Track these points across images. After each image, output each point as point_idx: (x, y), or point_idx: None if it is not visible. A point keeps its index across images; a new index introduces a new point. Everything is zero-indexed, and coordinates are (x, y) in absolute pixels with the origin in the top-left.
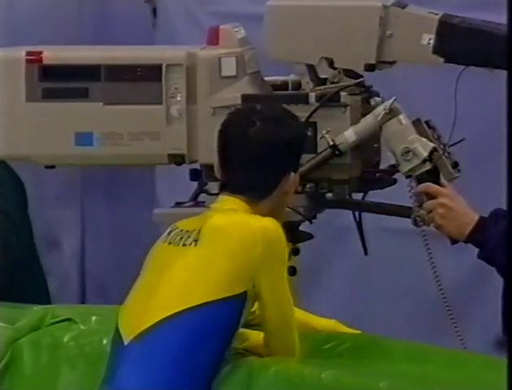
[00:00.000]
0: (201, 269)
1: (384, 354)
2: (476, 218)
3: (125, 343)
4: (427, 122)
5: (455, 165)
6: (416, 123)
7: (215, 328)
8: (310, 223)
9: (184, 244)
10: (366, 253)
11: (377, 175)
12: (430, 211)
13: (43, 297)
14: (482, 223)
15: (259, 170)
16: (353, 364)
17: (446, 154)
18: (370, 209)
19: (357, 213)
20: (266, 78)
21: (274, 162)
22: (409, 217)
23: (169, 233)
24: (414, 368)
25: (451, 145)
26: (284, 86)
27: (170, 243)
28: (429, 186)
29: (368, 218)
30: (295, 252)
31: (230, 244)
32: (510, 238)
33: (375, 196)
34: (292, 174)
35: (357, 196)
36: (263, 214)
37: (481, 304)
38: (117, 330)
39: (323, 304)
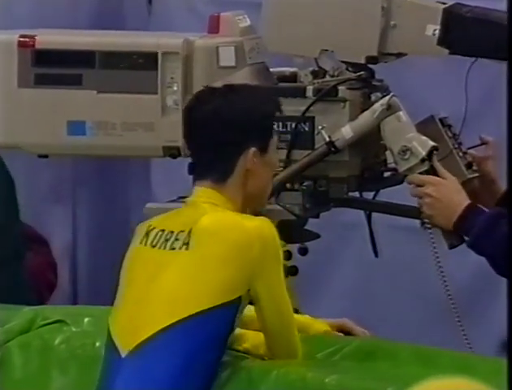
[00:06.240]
0: (197, 275)
1: (390, 358)
2: (464, 204)
3: (122, 355)
4: (441, 119)
5: (469, 165)
6: (429, 120)
7: (213, 335)
8: (304, 223)
9: (173, 248)
10: (376, 255)
11: (384, 173)
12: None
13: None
14: (469, 210)
15: (214, 148)
16: (358, 367)
17: (461, 154)
18: (379, 208)
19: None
20: (275, 69)
21: (227, 139)
22: (418, 218)
23: (147, 234)
24: (421, 372)
25: (470, 148)
26: (292, 78)
27: (153, 246)
28: (413, 178)
29: (374, 214)
30: (303, 252)
31: (225, 248)
32: (511, 239)
33: (386, 195)
34: (253, 149)
35: (368, 195)
36: (235, 199)
37: (491, 304)
38: (111, 339)
39: (325, 305)
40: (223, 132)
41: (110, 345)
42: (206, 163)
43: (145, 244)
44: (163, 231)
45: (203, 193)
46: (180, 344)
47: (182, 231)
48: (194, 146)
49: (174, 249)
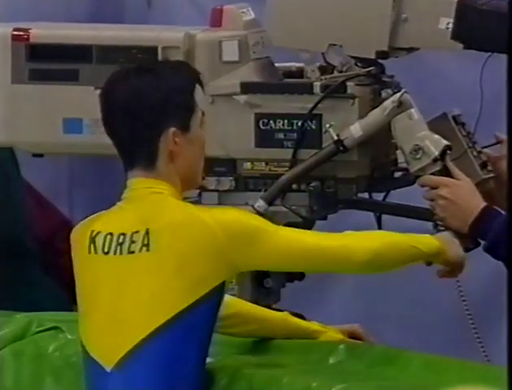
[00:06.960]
0: (167, 277)
1: (400, 366)
2: (481, 207)
3: (107, 369)
4: (454, 117)
5: (484, 165)
6: (442, 117)
7: (197, 330)
8: (311, 225)
9: (131, 252)
10: None
11: (395, 173)
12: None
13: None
14: (486, 212)
15: (133, 133)
16: (367, 376)
17: (475, 153)
18: (389, 210)
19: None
20: (281, 64)
21: (143, 121)
22: (430, 220)
23: (93, 240)
24: (432, 381)
25: (485, 147)
26: (299, 74)
27: (106, 253)
28: (426, 180)
29: (383, 216)
30: None
31: (188, 244)
32: (510, 237)
33: (397, 196)
34: (172, 130)
35: (378, 196)
36: (172, 182)
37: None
38: (87, 354)
39: (331, 309)
40: (139, 114)
41: (90, 360)
42: (129, 151)
43: (96, 252)
44: (112, 234)
45: (140, 184)
46: (166, 348)
47: (137, 232)
48: (114, 133)
49: (133, 252)
